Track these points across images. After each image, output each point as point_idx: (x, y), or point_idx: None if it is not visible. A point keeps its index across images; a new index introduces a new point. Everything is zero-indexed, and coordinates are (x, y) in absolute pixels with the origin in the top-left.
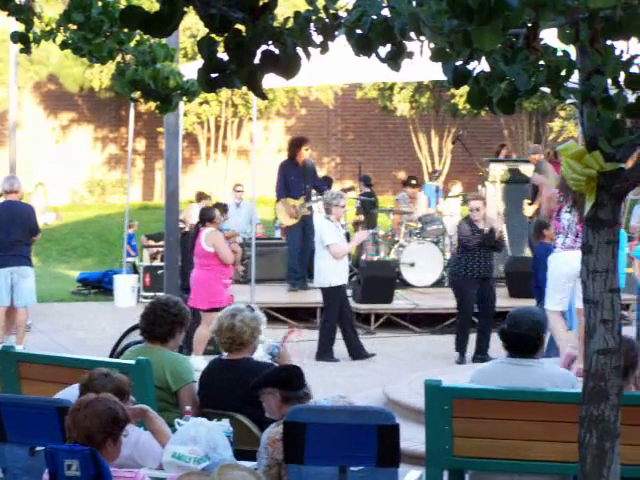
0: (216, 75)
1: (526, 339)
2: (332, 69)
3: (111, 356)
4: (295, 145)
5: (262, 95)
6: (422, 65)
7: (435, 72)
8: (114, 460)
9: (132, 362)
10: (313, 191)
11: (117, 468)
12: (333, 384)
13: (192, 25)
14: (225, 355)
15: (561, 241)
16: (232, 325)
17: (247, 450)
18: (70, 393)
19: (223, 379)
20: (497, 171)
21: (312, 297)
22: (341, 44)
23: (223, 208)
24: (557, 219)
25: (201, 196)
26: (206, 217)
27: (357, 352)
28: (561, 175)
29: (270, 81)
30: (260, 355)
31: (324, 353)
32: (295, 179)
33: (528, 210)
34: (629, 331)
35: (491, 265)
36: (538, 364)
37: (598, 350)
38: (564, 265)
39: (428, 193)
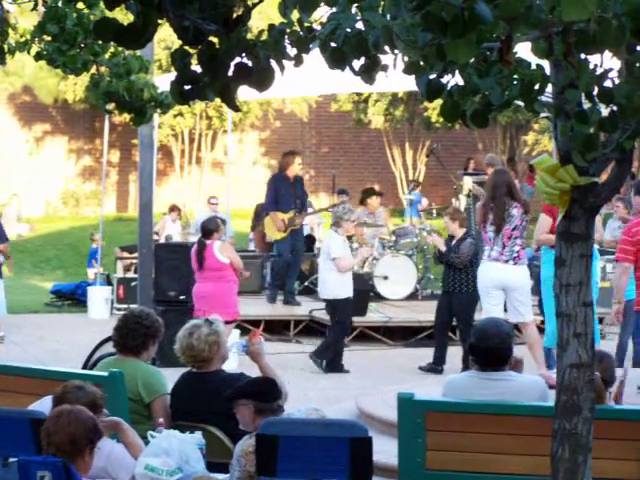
0: (189, 87)
1: (497, 352)
2: (307, 81)
3: (84, 368)
4: (288, 158)
5: (235, 107)
6: (397, 76)
7: (410, 83)
8: (87, 472)
9: (105, 374)
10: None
11: None
12: (306, 397)
13: (167, 37)
14: (196, 368)
15: (487, 253)
16: (190, 344)
17: (219, 462)
18: (43, 405)
19: (195, 392)
20: (471, 184)
21: (287, 310)
22: (316, 56)
23: (221, 220)
24: (484, 231)
25: (172, 208)
26: (213, 227)
27: (335, 365)
28: (487, 189)
29: (245, 93)
30: (233, 367)
31: (334, 364)
32: (285, 193)
33: None
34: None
35: (454, 279)
36: (509, 377)
37: (571, 364)
38: (487, 275)
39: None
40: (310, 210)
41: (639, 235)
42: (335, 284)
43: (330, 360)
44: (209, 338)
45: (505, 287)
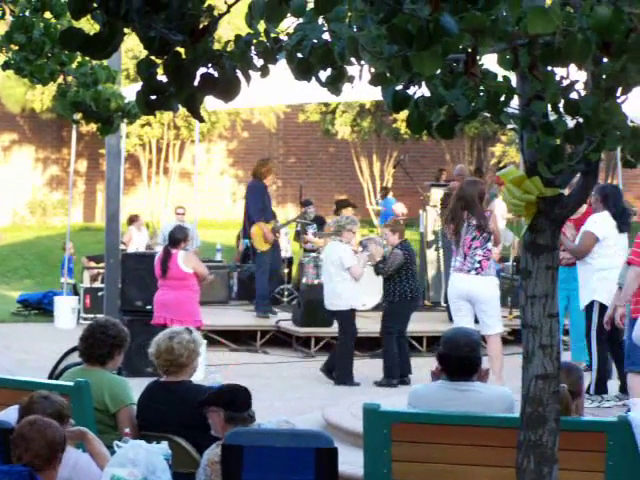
0: (155, 97)
1: (467, 361)
2: (275, 91)
3: (50, 377)
4: (268, 166)
5: (200, 118)
6: (365, 86)
7: (377, 93)
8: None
9: (71, 384)
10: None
11: None
12: (272, 407)
13: (134, 47)
14: (163, 378)
15: (452, 264)
16: (170, 347)
17: (185, 473)
18: (8, 415)
19: (162, 402)
20: (438, 195)
21: (254, 320)
22: (283, 66)
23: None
24: (449, 242)
25: (132, 219)
26: (181, 237)
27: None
28: (451, 202)
29: (213, 103)
30: (200, 379)
31: (345, 376)
32: (267, 202)
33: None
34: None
35: (387, 290)
36: (476, 387)
37: (537, 375)
38: (453, 287)
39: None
40: (287, 222)
41: None
42: (350, 294)
43: (341, 372)
44: (190, 345)
45: (470, 298)
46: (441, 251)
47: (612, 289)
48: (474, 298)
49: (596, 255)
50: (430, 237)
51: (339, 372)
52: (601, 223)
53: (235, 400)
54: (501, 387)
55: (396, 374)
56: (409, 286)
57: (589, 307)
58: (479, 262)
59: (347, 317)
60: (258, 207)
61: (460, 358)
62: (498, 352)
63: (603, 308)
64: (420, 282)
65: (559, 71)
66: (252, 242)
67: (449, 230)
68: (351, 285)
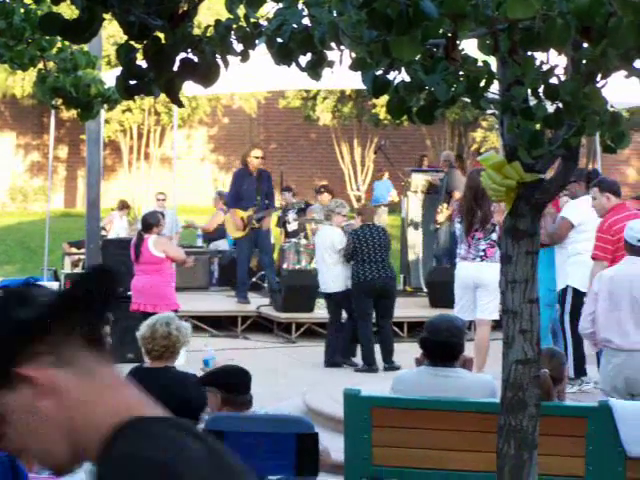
0: (134, 82)
1: (447, 346)
2: (255, 77)
3: None
4: (245, 151)
5: (179, 103)
6: (345, 73)
7: (357, 81)
8: (32, 466)
9: None
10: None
11: (37, 476)
12: (253, 393)
13: (115, 33)
14: (147, 364)
15: (457, 251)
16: (168, 333)
17: None
18: None
19: (146, 388)
20: (419, 181)
21: (234, 306)
22: (264, 52)
23: (160, 214)
24: (454, 228)
25: (123, 205)
26: (153, 222)
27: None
28: (467, 189)
29: (193, 88)
30: (180, 363)
31: (347, 354)
32: (247, 189)
33: (441, 216)
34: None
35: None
36: (458, 374)
37: (517, 360)
38: (458, 277)
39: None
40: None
41: (619, 234)
42: (344, 276)
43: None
44: (185, 331)
45: (476, 284)
46: (421, 237)
47: (587, 273)
48: (479, 284)
49: (571, 240)
50: (412, 222)
51: (341, 351)
52: (578, 209)
53: (233, 382)
54: (484, 375)
55: (373, 359)
56: (356, 269)
57: (564, 291)
58: (483, 250)
59: (343, 298)
60: (232, 194)
61: (440, 343)
62: (484, 342)
63: (578, 292)
64: (405, 268)
65: (539, 56)
66: (227, 230)
67: (454, 217)
68: (341, 267)
